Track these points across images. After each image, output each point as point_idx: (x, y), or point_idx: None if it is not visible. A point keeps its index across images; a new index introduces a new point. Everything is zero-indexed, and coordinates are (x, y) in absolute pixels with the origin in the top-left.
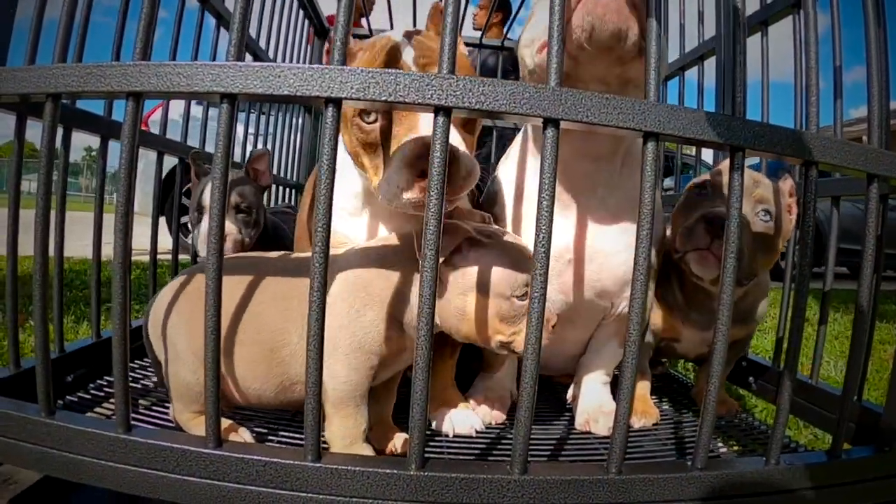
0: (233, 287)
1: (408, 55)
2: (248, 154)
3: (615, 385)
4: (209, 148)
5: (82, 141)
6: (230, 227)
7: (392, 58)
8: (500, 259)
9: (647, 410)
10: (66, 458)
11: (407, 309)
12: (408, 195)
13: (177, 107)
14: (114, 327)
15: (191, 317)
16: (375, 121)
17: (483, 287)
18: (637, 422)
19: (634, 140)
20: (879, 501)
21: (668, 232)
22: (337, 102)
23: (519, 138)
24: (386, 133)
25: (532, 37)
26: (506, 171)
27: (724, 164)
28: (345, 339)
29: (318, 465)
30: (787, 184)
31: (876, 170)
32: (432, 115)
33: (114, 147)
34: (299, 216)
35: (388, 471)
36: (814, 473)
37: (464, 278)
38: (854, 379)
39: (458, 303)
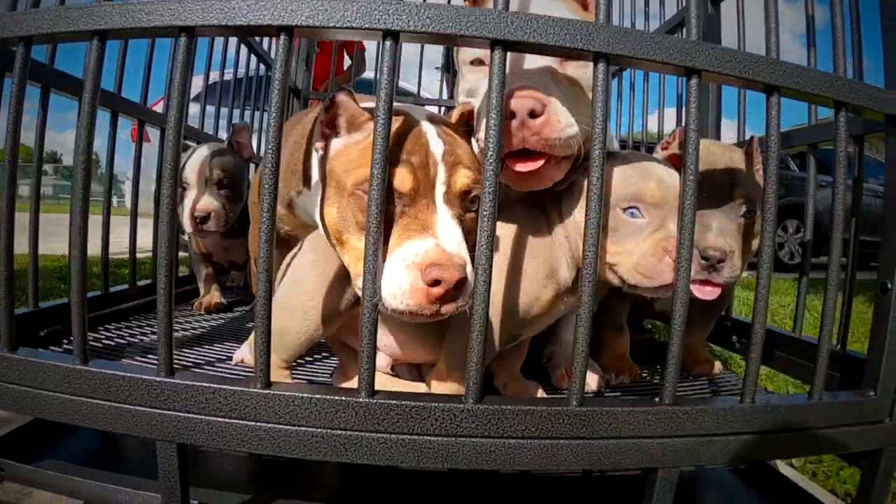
0: None
1: (436, 147)
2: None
3: (595, 346)
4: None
5: None
6: (213, 203)
7: (418, 145)
8: (615, 170)
9: (623, 367)
10: (26, 393)
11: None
12: (409, 301)
13: None
14: (72, 252)
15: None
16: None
17: None
18: (615, 378)
19: None
20: (866, 448)
21: None
22: (289, 30)
23: None
24: (392, 221)
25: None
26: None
27: (678, 140)
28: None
29: (266, 391)
30: (753, 145)
31: (843, 97)
32: (451, 223)
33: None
34: (250, 194)
35: (337, 398)
36: (791, 413)
37: (577, 188)
38: (831, 308)
39: (578, 217)
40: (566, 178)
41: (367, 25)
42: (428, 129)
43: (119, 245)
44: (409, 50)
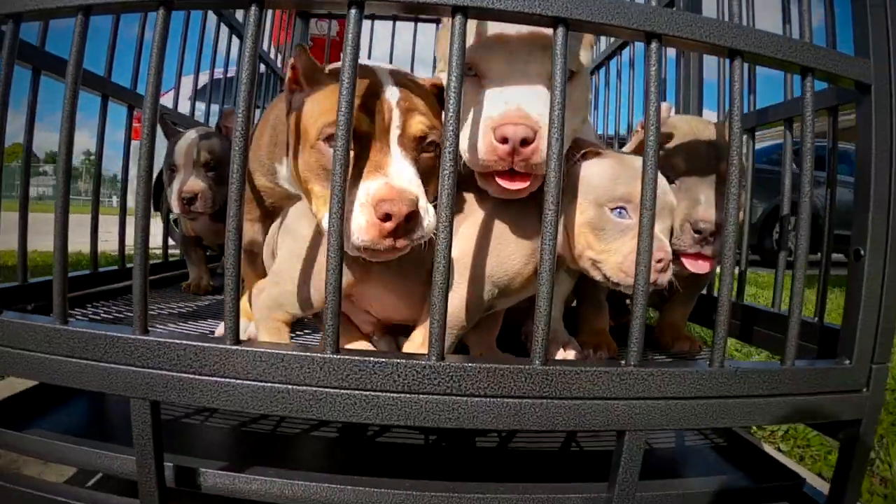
0: None
1: (391, 94)
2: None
3: (571, 320)
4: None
5: (81, 145)
6: (200, 184)
7: (375, 94)
8: (605, 169)
9: (601, 343)
10: (8, 353)
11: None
12: (364, 237)
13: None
14: (55, 225)
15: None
16: None
17: (581, 192)
18: (593, 354)
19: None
20: (843, 418)
21: None
22: (259, 3)
23: None
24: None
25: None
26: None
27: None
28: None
29: (235, 347)
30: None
31: (810, 62)
32: (404, 162)
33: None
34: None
35: (301, 353)
36: (762, 379)
37: (568, 184)
38: (801, 273)
39: (565, 208)
40: None
41: None
42: (386, 80)
43: (113, 244)
44: (404, 49)
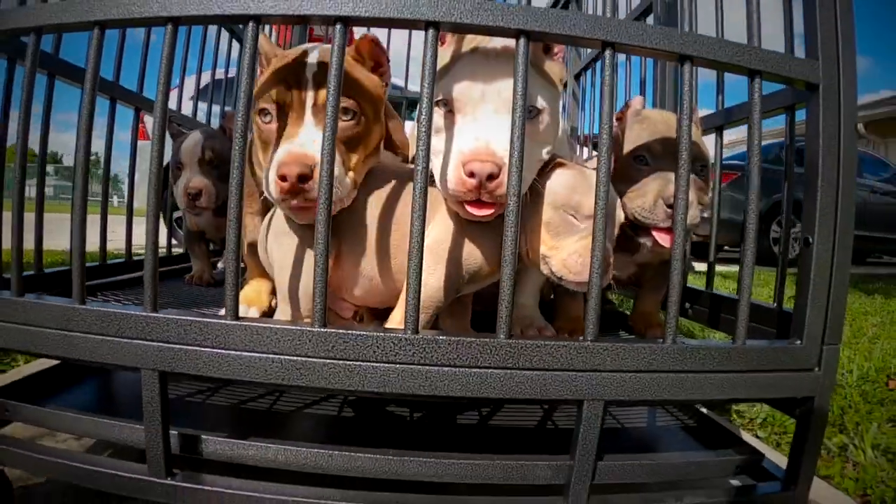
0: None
1: (310, 69)
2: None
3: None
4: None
5: None
6: (203, 181)
7: (296, 69)
8: (567, 179)
9: (576, 328)
10: (31, 332)
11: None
12: (274, 194)
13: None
14: (73, 212)
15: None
16: (270, 122)
17: (546, 197)
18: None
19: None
20: (796, 395)
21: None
22: (257, 19)
23: None
24: (276, 134)
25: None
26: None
27: (631, 110)
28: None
29: (234, 322)
30: (696, 114)
31: (757, 65)
32: (315, 130)
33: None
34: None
35: (293, 327)
36: (712, 356)
37: (533, 190)
38: (751, 258)
39: (525, 215)
40: None
41: (320, 13)
42: (312, 53)
43: (117, 244)
44: (400, 50)
